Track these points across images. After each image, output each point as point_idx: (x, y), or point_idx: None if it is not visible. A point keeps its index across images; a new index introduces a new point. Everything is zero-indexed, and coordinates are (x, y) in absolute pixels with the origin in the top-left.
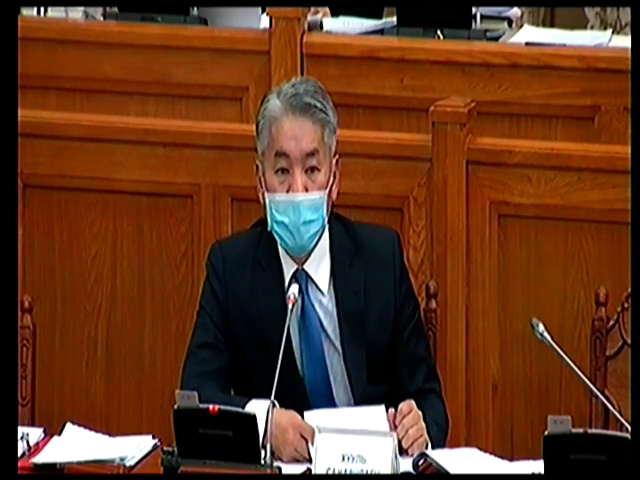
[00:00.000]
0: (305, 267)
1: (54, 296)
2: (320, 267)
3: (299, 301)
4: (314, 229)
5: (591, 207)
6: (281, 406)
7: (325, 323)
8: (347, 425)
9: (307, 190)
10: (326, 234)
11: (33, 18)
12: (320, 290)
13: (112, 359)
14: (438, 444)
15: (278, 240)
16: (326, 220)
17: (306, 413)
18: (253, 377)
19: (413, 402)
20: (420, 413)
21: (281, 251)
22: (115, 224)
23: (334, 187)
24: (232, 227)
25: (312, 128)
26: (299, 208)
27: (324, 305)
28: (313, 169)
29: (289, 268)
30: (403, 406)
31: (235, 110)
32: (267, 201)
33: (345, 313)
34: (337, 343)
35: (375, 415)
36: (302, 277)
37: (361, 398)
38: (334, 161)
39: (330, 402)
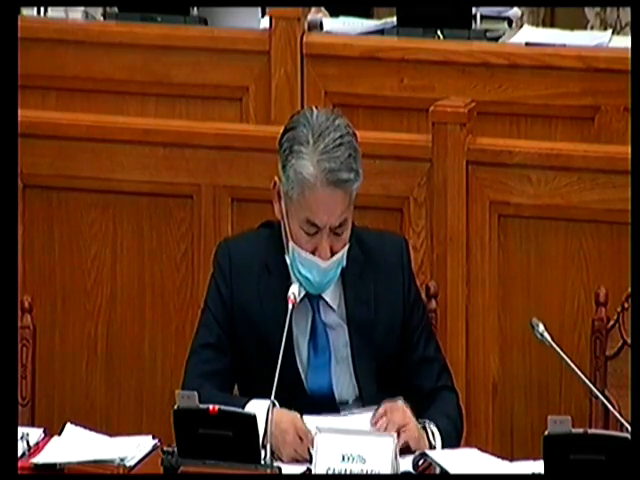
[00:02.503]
0: None
1: (54, 296)
2: (332, 286)
3: (309, 321)
4: (335, 278)
5: (591, 207)
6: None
7: (334, 339)
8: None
9: (332, 250)
10: None
11: (33, 18)
12: (331, 307)
13: (112, 359)
14: (449, 435)
15: (300, 280)
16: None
17: (306, 417)
18: (255, 378)
19: (402, 401)
20: (410, 414)
21: None
22: (115, 224)
23: None
24: (232, 227)
25: (343, 198)
26: (324, 270)
27: (335, 322)
28: (340, 231)
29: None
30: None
31: (235, 110)
32: (291, 248)
33: (355, 324)
34: (349, 359)
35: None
36: (314, 297)
37: (370, 404)
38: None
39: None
